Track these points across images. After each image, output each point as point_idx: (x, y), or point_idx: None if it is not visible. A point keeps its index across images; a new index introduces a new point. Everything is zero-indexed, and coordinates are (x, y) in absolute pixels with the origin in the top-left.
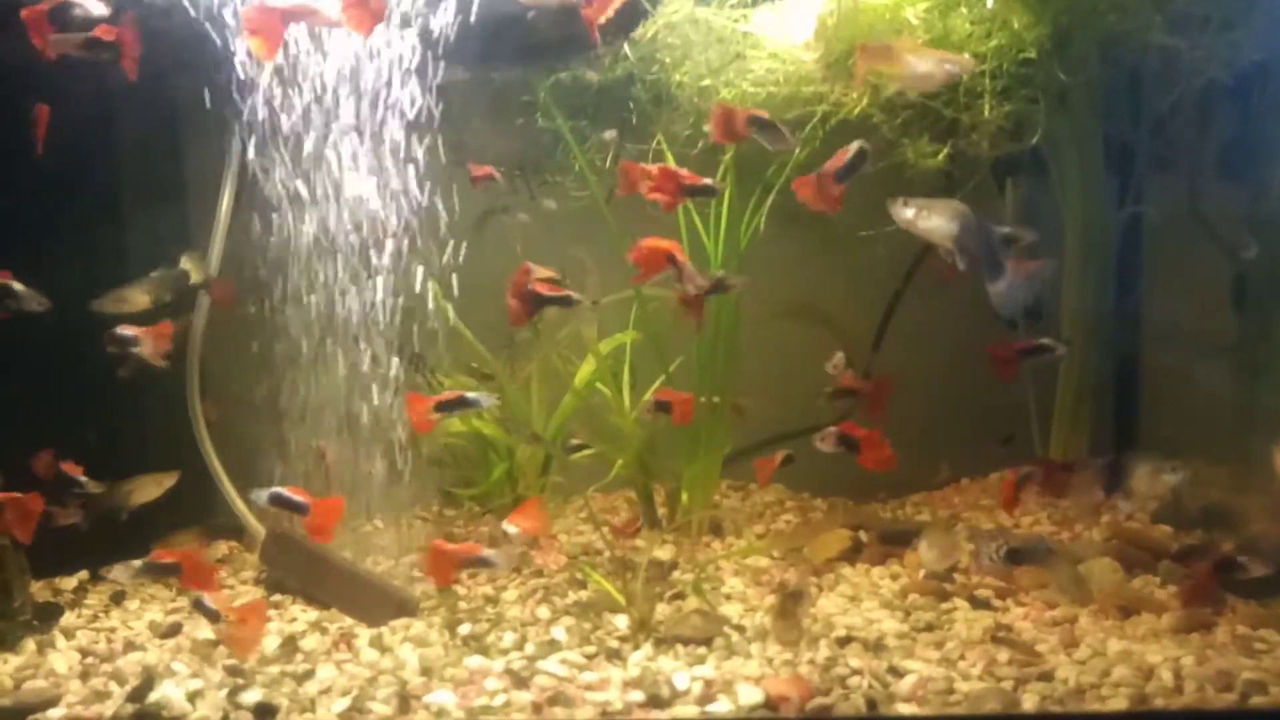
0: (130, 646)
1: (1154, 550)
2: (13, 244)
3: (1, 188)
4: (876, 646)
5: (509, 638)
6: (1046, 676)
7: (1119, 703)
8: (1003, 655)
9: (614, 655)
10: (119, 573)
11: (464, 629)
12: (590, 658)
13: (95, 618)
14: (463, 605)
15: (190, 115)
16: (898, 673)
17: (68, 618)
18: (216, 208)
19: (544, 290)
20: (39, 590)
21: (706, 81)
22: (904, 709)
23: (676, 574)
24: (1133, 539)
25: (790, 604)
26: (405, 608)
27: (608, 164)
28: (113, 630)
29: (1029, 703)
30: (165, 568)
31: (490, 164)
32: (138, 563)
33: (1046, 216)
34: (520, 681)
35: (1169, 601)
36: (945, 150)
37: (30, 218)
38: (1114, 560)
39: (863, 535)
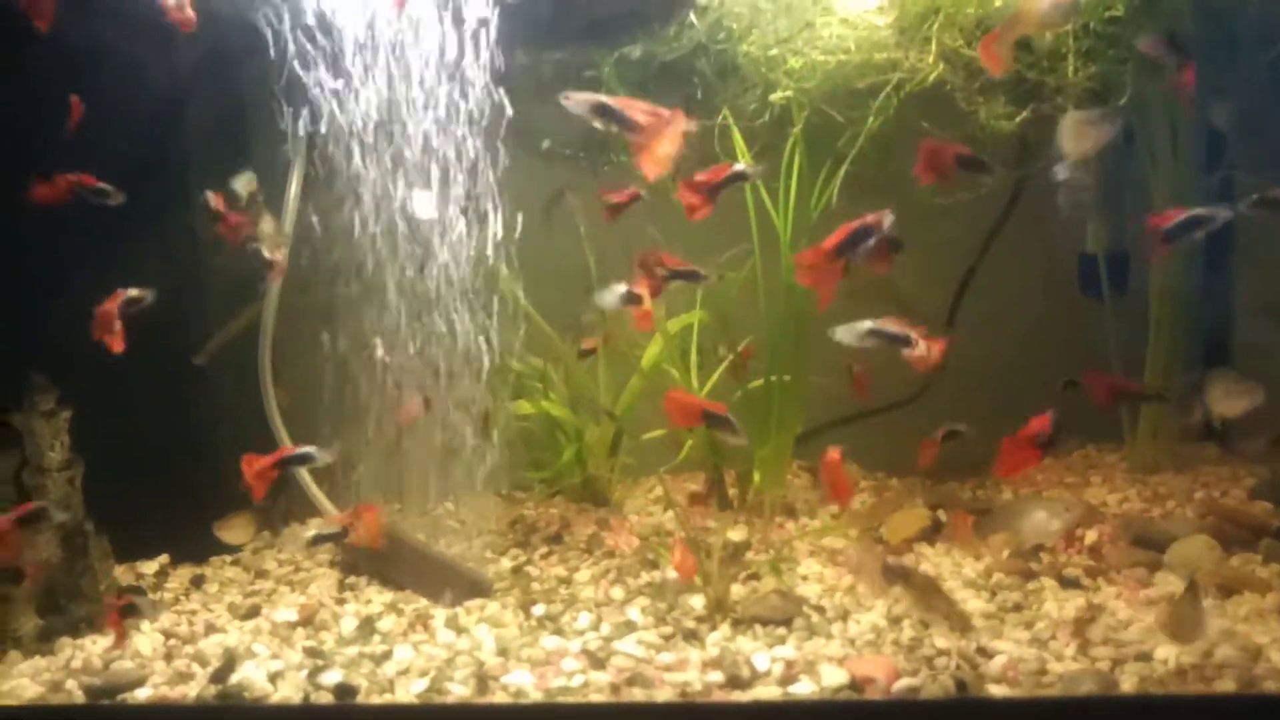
0: (211, 629)
1: (1254, 528)
2: (87, 232)
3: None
4: (963, 627)
5: (584, 618)
6: (1144, 657)
7: (1226, 684)
8: (1096, 635)
9: (691, 636)
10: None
11: (538, 610)
12: (667, 638)
13: (176, 600)
14: (536, 586)
15: (260, 95)
16: (986, 653)
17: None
18: (286, 189)
19: (673, 264)
20: (122, 574)
21: (774, 51)
22: (995, 690)
23: (750, 555)
24: (1230, 516)
25: (921, 586)
26: (479, 588)
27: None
28: (194, 613)
29: (1127, 684)
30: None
31: (555, 144)
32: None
33: (1133, 184)
34: (597, 662)
35: (1272, 580)
36: (1024, 113)
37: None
38: (1210, 538)
39: (941, 514)
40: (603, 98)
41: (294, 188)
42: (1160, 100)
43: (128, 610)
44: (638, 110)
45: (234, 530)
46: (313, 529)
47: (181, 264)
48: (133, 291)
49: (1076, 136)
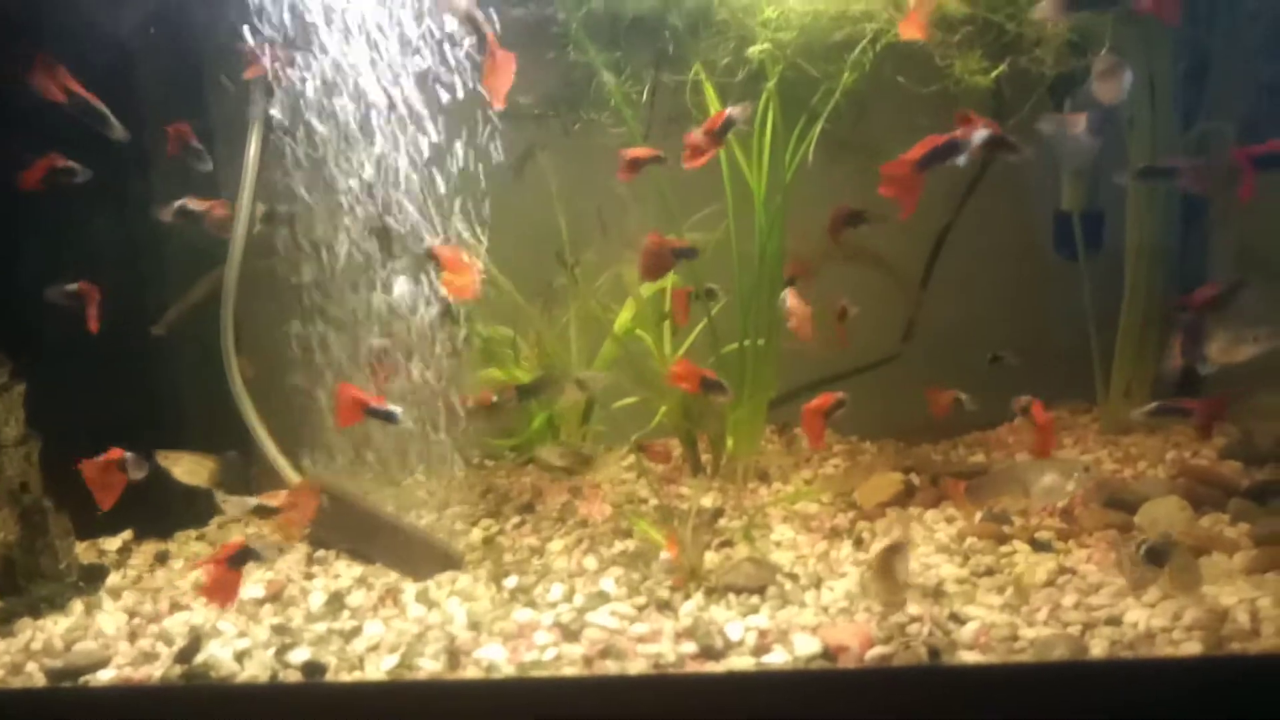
0: (176, 607)
1: (1224, 487)
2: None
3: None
4: (935, 593)
5: (557, 590)
6: (1114, 621)
7: (1193, 647)
8: (1068, 599)
9: (664, 606)
10: (232, 506)
11: (510, 582)
12: (640, 609)
13: (140, 578)
14: (508, 557)
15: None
16: (959, 619)
17: (113, 578)
18: (244, 156)
19: (677, 245)
20: (83, 551)
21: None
22: (968, 657)
23: (723, 522)
24: (1201, 476)
25: (890, 559)
26: (450, 560)
27: (644, 97)
28: (158, 591)
29: (1098, 648)
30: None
31: (525, 99)
32: (252, 501)
33: (1109, 136)
34: (570, 634)
35: (1240, 540)
36: (999, 68)
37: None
38: (1181, 499)
39: (914, 478)
40: (477, 12)
41: (253, 150)
42: (1138, 52)
43: (241, 557)
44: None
45: (181, 465)
46: (253, 500)
47: (138, 233)
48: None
49: (1113, 79)
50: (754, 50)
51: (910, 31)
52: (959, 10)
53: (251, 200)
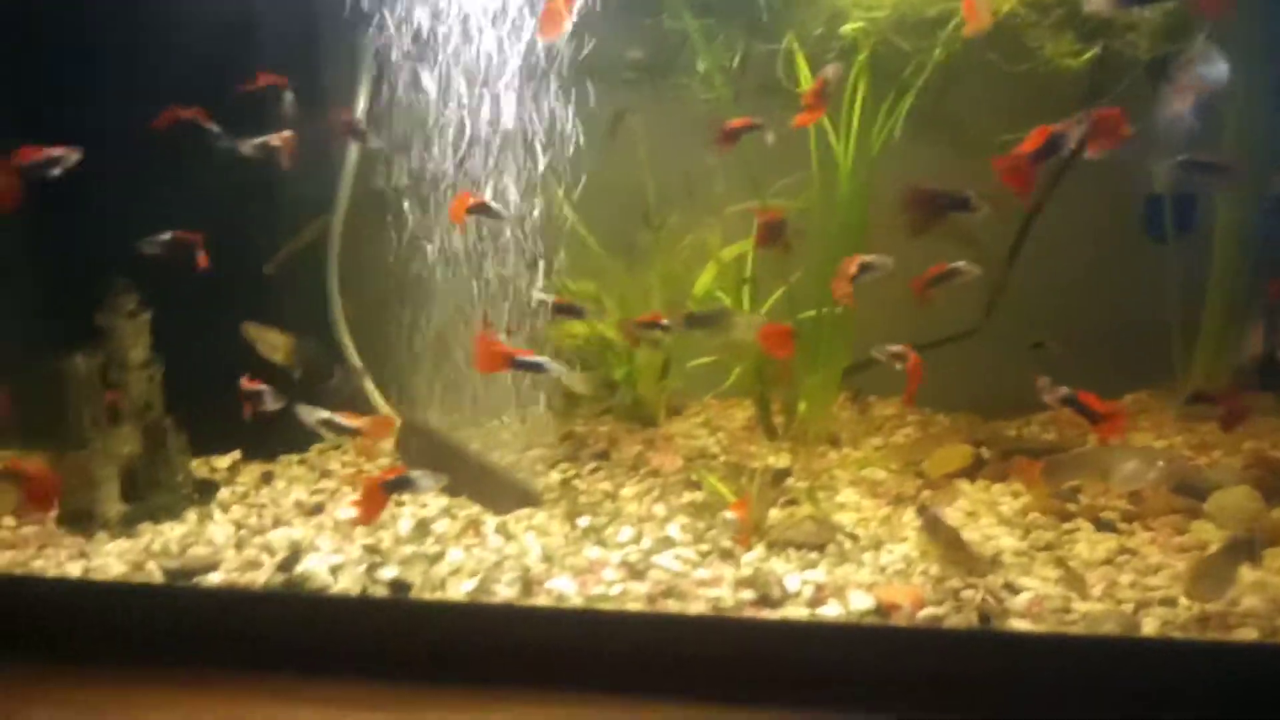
0: (278, 522)
1: None
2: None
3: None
4: (993, 563)
5: (626, 532)
6: (1169, 602)
7: (1247, 633)
8: (1125, 578)
9: (727, 555)
10: (304, 412)
11: (583, 521)
12: (704, 555)
13: (246, 495)
14: (582, 499)
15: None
16: (1014, 589)
17: (223, 494)
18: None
19: (944, 193)
20: (197, 467)
21: None
22: (1018, 625)
23: (790, 482)
24: (1274, 467)
25: (942, 534)
26: (529, 498)
27: (734, 65)
28: (263, 507)
29: (1149, 627)
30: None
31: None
32: (324, 413)
33: (1205, 122)
34: (636, 574)
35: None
36: (1093, 52)
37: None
38: (1252, 489)
39: (984, 452)
40: None
41: (362, 101)
42: (1232, 35)
43: (396, 484)
44: None
45: (265, 339)
46: (325, 412)
47: (252, 177)
48: None
49: (1207, 66)
50: (847, 29)
51: (974, 24)
52: None
53: (358, 153)
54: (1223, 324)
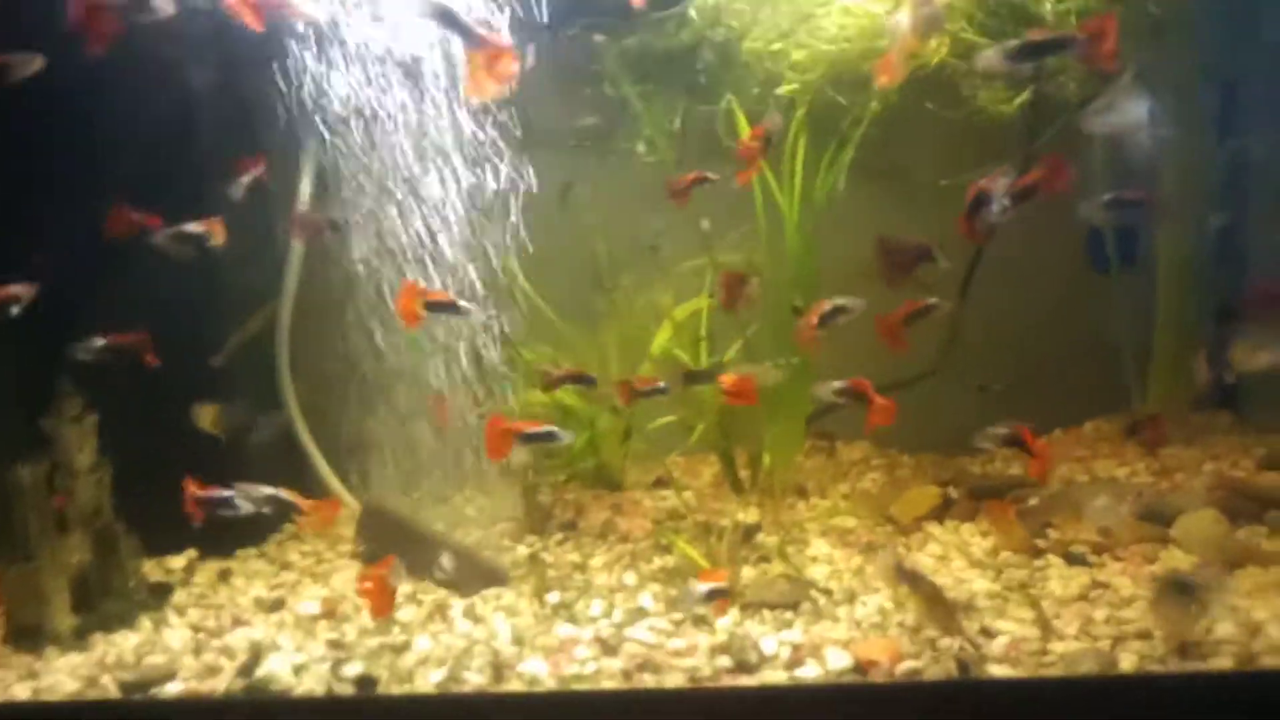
0: (238, 622)
1: (1261, 499)
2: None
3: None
4: (967, 607)
5: (597, 605)
6: (1145, 635)
7: (1223, 661)
8: (1099, 613)
9: (701, 621)
10: (241, 493)
11: (553, 597)
12: (677, 624)
13: (204, 595)
14: (551, 573)
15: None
16: (989, 634)
17: (178, 595)
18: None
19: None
20: (150, 569)
21: (777, 45)
22: (996, 671)
23: (761, 536)
24: (1239, 488)
25: (923, 588)
26: (496, 577)
27: (675, 127)
28: (220, 607)
29: (1126, 662)
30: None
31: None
32: (266, 490)
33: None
34: (609, 649)
35: (1278, 553)
36: (1023, 96)
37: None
38: (1218, 512)
39: (952, 491)
40: (450, 5)
41: (305, 182)
42: (1165, 72)
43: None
44: (478, 26)
45: (204, 416)
46: (274, 491)
47: (198, 269)
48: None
49: (1128, 105)
50: (782, 90)
51: (885, 79)
52: (977, 41)
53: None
54: (1174, 350)
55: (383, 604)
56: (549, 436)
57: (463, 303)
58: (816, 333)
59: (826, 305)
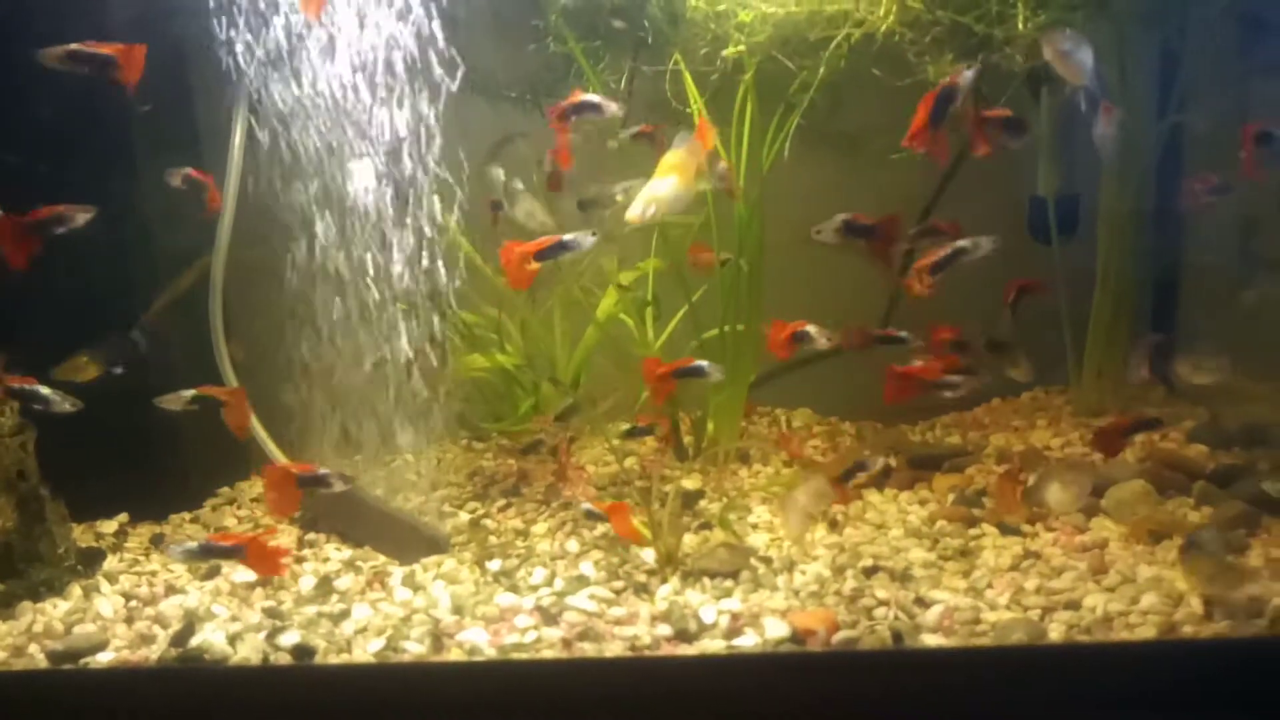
0: (171, 590)
1: (1189, 471)
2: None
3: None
4: (904, 576)
5: (539, 573)
6: (1074, 605)
7: (1147, 631)
8: (1030, 583)
9: (642, 589)
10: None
11: (494, 565)
12: (618, 592)
13: (136, 562)
14: (493, 540)
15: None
16: (924, 603)
17: (110, 562)
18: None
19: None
20: (80, 534)
21: (723, 6)
22: (930, 640)
23: (704, 503)
24: (1167, 460)
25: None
26: (437, 544)
27: (624, 87)
28: (154, 574)
29: (1055, 632)
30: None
31: (503, 89)
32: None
33: (1083, 127)
34: (550, 618)
35: (1202, 524)
36: (973, 65)
37: (41, 175)
38: (1147, 483)
39: (892, 460)
40: None
41: (238, 140)
42: (1109, 45)
43: (310, 480)
44: None
45: (74, 369)
46: (196, 540)
47: (127, 225)
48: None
49: (1073, 56)
50: (728, 52)
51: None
52: (925, 14)
53: (237, 189)
54: (1110, 322)
55: (283, 506)
56: (698, 371)
57: (569, 236)
58: (930, 281)
59: (945, 249)
